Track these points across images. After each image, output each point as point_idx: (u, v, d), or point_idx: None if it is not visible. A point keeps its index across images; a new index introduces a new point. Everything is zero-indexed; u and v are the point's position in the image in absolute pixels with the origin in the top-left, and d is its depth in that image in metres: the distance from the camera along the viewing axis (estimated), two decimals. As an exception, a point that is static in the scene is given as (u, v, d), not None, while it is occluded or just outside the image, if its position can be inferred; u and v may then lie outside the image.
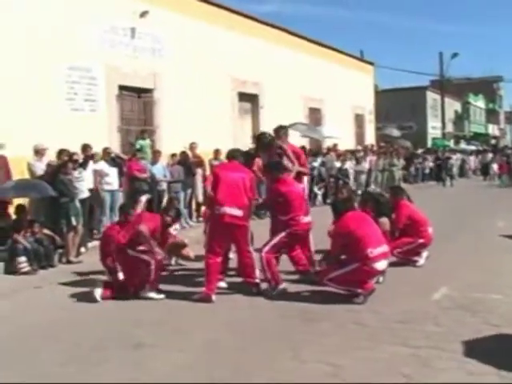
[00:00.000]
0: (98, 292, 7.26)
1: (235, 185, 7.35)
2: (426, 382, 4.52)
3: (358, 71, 27.79)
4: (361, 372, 4.71)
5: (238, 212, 7.25)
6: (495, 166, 29.84)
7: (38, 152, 10.90)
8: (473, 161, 35.93)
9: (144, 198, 9.16)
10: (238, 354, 5.19)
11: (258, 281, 7.41)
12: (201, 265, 7.67)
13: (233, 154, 7.85)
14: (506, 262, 8.89)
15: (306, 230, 7.85)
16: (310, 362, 4.95)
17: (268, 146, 8.41)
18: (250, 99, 19.57)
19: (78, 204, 10.31)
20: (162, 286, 7.59)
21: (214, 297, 7.06)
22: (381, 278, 7.36)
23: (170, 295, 7.32)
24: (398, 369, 4.71)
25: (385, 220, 8.42)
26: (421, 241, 8.91)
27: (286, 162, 8.24)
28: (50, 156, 10.94)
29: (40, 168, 10.63)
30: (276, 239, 7.58)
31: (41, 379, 4.77)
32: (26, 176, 10.64)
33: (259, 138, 8.73)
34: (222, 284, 7.69)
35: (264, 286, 7.40)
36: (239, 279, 7.80)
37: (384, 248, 7.02)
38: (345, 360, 4.94)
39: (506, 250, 9.87)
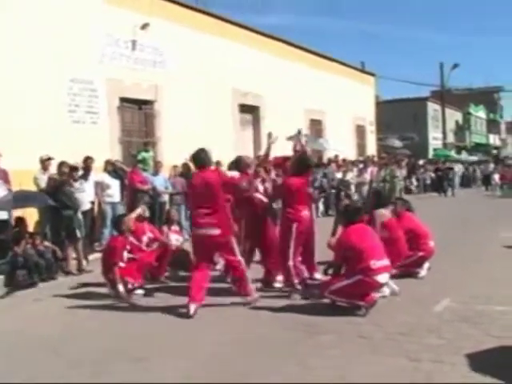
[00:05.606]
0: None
1: (203, 197, 6.99)
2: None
3: (359, 82, 27.87)
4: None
5: (216, 231, 6.95)
6: (497, 177, 29.85)
7: (43, 163, 10.87)
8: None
9: (139, 210, 9.11)
10: (243, 366, 5.18)
11: (249, 298, 7.19)
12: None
13: (201, 159, 7.62)
14: (509, 273, 8.82)
15: (308, 222, 7.83)
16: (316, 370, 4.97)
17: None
18: (251, 111, 19.62)
19: (80, 216, 10.32)
20: (166, 299, 7.61)
21: (193, 306, 6.78)
22: (387, 292, 7.33)
23: (172, 308, 7.25)
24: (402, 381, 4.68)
25: (381, 211, 8.43)
26: (420, 254, 8.83)
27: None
28: (53, 167, 10.93)
29: (44, 180, 10.60)
30: (292, 245, 7.50)
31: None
32: (29, 188, 10.55)
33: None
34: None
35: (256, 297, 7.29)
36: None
37: (386, 261, 6.99)
38: (349, 373, 4.92)
39: (509, 261, 9.82)
